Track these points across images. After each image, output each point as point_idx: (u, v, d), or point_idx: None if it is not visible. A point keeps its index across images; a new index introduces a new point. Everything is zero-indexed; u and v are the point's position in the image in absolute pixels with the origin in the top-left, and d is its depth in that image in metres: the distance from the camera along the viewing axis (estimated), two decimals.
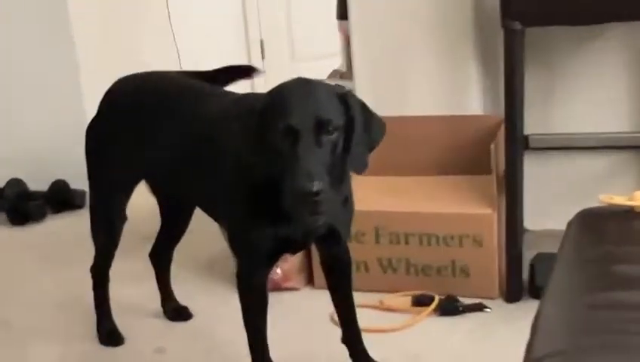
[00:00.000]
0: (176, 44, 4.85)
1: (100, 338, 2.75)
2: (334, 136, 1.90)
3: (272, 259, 2.21)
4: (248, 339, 2.24)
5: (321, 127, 1.88)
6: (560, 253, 1.73)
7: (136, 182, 2.59)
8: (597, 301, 1.41)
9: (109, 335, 2.74)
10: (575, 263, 1.63)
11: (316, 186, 1.81)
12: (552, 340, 1.33)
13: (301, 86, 1.96)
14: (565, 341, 1.31)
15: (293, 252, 2.34)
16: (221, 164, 2.16)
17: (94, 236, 2.65)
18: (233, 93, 2.37)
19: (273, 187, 1.98)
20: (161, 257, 2.88)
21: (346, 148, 1.96)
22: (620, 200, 1.83)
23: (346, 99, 1.96)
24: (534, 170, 3.30)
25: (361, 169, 2.02)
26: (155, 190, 2.69)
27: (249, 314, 2.23)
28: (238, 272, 2.21)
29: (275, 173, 1.93)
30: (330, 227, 2.15)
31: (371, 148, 2.05)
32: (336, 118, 1.91)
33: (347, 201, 2.18)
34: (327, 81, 3.12)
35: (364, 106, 2.04)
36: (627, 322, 1.31)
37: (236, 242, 2.22)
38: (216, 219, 2.39)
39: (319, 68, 4.32)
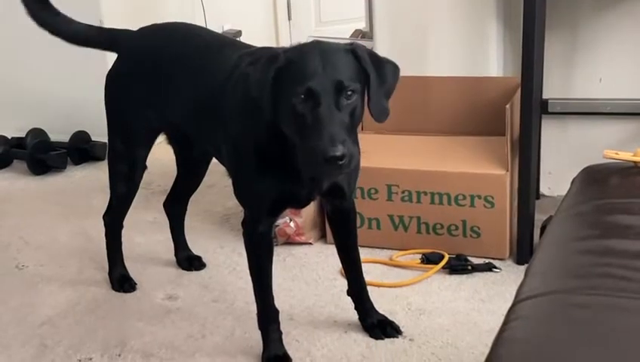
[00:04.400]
0: (202, 3, 4.86)
1: (112, 285, 2.79)
2: (353, 99, 1.90)
3: (276, 211, 2.23)
4: (253, 286, 2.27)
5: (340, 90, 1.88)
6: (560, 206, 1.74)
7: (155, 131, 2.60)
8: (589, 247, 1.42)
9: (120, 281, 2.78)
10: (573, 214, 1.63)
11: (340, 150, 1.80)
12: (542, 282, 1.34)
13: (317, 49, 1.94)
14: (554, 283, 1.33)
15: (299, 206, 2.36)
16: (232, 114, 2.18)
17: (112, 184, 2.68)
18: (250, 46, 2.38)
19: (280, 141, 2.00)
20: (175, 207, 2.91)
21: (363, 101, 1.96)
22: (624, 155, 1.83)
23: (356, 54, 1.96)
24: (554, 134, 3.30)
25: (383, 117, 2.00)
26: (173, 140, 2.71)
27: (254, 262, 2.25)
28: (243, 221, 2.24)
29: (287, 131, 1.95)
30: (334, 183, 2.17)
31: (388, 95, 2.03)
32: (354, 80, 1.91)
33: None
34: (344, 40, 3.13)
35: (373, 55, 2.03)
36: (615, 267, 1.32)
37: (241, 192, 2.24)
38: (227, 169, 2.40)
39: (345, 31, 4.31)
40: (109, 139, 2.65)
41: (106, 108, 2.61)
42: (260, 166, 2.11)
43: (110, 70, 2.60)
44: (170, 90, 2.43)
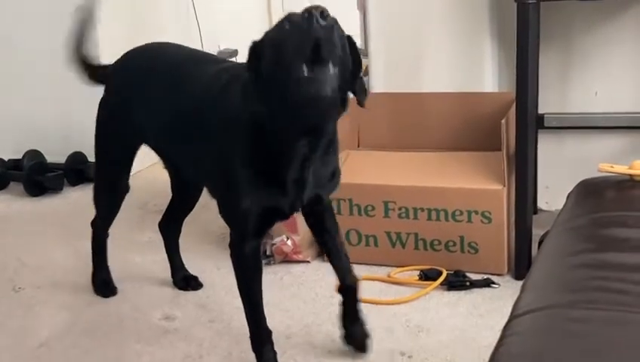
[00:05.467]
0: (197, 21, 4.87)
1: (94, 288, 2.85)
2: (339, 57, 1.83)
3: (262, 229, 2.21)
4: (244, 308, 2.25)
5: (325, 48, 1.79)
6: (556, 221, 1.73)
7: (133, 153, 2.65)
8: (585, 261, 1.41)
9: (102, 285, 2.85)
10: (569, 228, 1.63)
11: (330, 91, 1.79)
12: (538, 297, 1.34)
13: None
14: (550, 297, 1.32)
15: (283, 219, 2.34)
16: (213, 128, 2.17)
17: (96, 202, 2.77)
18: (227, 60, 2.40)
19: (265, 152, 2.01)
20: (170, 227, 2.91)
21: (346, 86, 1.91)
22: (619, 168, 1.82)
23: (352, 41, 1.93)
24: (550, 149, 3.29)
25: (364, 97, 2.01)
26: (167, 163, 2.72)
27: (243, 282, 2.23)
28: (230, 242, 2.22)
29: (278, 105, 1.89)
30: (315, 194, 2.17)
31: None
32: (338, 46, 1.83)
33: (334, 175, 2.20)
34: None
35: None
36: (612, 280, 1.31)
37: (226, 213, 2.22)
38: (209, 191, 2.38)
39: None
40: (95, 160, 2.74)
41: (95, 130, 2.67)
42: (244, 180, 2.09)
43: (101, 97, 2.66)
44: (151, 112, 2.45)
